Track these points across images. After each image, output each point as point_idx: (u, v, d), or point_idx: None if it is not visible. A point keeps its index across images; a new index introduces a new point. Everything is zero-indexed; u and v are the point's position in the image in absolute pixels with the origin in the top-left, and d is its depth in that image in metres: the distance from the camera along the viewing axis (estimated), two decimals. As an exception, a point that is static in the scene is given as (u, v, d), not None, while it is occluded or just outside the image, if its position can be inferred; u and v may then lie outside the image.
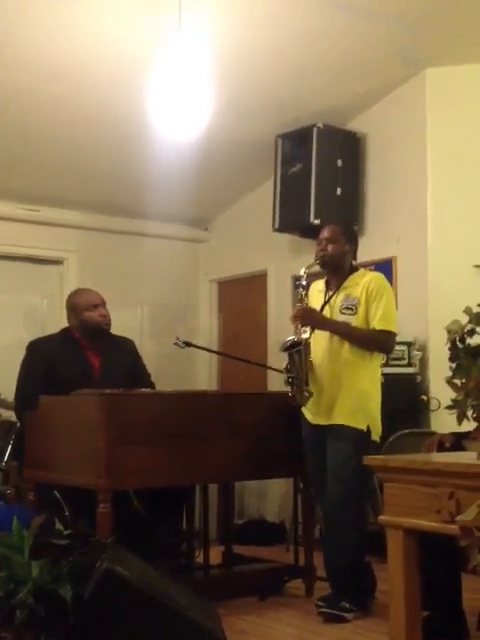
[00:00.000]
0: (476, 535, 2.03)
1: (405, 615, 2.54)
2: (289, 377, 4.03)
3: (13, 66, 4.78)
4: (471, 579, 3.33)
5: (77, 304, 4.57)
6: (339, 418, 3.98)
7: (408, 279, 5.45)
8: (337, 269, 4.13)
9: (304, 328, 4.02)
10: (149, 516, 4.28)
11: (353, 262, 4.19)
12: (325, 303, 4.10)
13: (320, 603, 3.94)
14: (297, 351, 3.98)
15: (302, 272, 4.10)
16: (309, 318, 4.03)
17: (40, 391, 4.21)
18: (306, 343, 3.99)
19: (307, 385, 3.99)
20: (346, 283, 4.10)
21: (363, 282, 4.06)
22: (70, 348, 4.52)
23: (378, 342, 4.05)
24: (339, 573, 3.97)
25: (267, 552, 5.16)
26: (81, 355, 4.52)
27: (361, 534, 3.96)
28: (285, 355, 4.06)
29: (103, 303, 4.58)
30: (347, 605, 3.86)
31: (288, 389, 4.04)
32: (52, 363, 4.42)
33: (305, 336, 4.00)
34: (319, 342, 4.04)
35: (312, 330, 4.03)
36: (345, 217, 5.53)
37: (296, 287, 4.23)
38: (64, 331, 4.68)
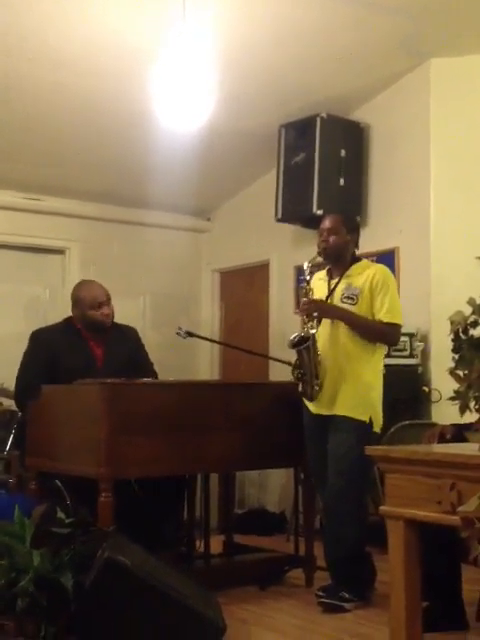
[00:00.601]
0: (477, 526, 2.03)
1: (405, 605, 2.55)
2: (299, 373, 4.02)
3: (17, 54, 4.76)
4: (471, 570, 3.33)
5: (81, 299, 4.54)
6: (341, 409, 3.98)
7: (410, 270, 5.44)
8: (339, 259, 4.12)
9: (311, 323, 4.01)
10: (152, 508, 4.28)
11: (355, 251, 4.19)
12: (330, 294, 4.09)
13: (320, 593, 3.95)
14: (305, 347, 3.97)
15: (305, 266, 4.09)
16: (317, 309, 4.02)
17: (41, 381, 4.21)
18: (314, 338, 3.99)
19: (317, 379, 3.99)
20: (348, 272, 4.09)
21: (366, 274, 4.05)
22: (73, 338, 4.52)
23: (384, 334, 4.05)
24: (339, 564, 3.98)
25: (267, 542, 5.17)
26: (84, 345, 4.51)
27: (361, 525, 3.97)
28: (292, 350, 4.05)
29: (108, 300, 4.54)
30: (347, 595, 3.88)
31: (299, 384, 4.04)
32: (55, 353, 4.42)
33: (312, 331, 4.00)
34: (321, 332, 4.03)
35: (319, 323, 4.03)
36: (348, 207, 5.52)
37: (299, 282, 4.21)
38: (66, 321, 4.67)
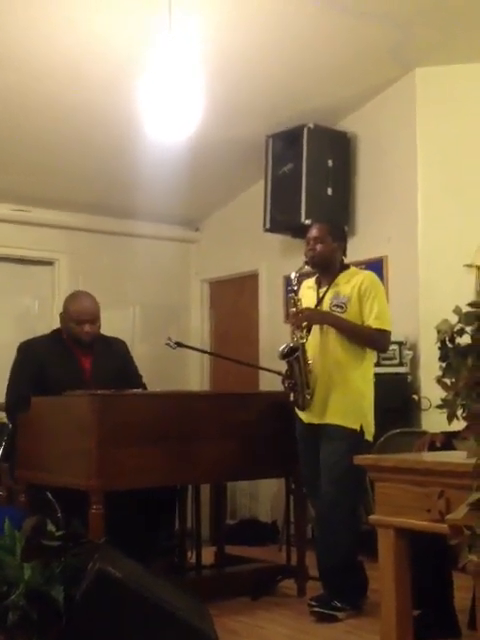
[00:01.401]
0: (465, 534, 2.04)
1: (396, 614, 2.55)
2: (289, 383, 4.02)
3: (2, 65, 4.76)
4: (462, 577, 3.32)
5: (68, 312, 4.51)
6: (332, 418, 3.98)
7: (399, 278, 5.46)
8: (327, 267, 4.14)
9: (300, 333, 4.02)
10: (144, 517, 4.27)
11: (343, 259, 4.20)
12: (318, 302, 4.10)
13: (312, 603, 3.94)
14: (295, 357, 3.97)
15: (292, 276, 4.10)
16: (306, 318, 4.02)
17: (30, 393, 4.20)
18: (303, 348, 3.99)
19: (308, 388, 3.99)
20: (336, 281, 4.11)
21: (354, 281, 4.07)
22: (60, 350, 4.51)
23: (374, 340, 4.06)
24: (331, 573, 3.97)
25: (259, 552, 5.16)
26: (71, 357, 4.50)
27: (354, 534, 3.96)
28: (282, 360, 4.05)
29: (93, 320, 4.48)
30: (339, 604, 3.87)
31: (290, 394, 4.04)
32: (42, 365, 4.41)
33: (302, 341, 4.00)
34: (311, 341, 4.04)
35: (308, 332, 4.03)
36: (336, 217, 5.53)
37: (288, 292, 4.22)
38: (55, 332, 4.67)
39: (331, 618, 3.83)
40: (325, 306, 4.08)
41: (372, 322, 3.99)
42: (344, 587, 3.93)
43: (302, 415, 4.09)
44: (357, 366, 4.04)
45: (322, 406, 4.01)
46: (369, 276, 4.13)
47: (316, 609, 3.89)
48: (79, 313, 4.48)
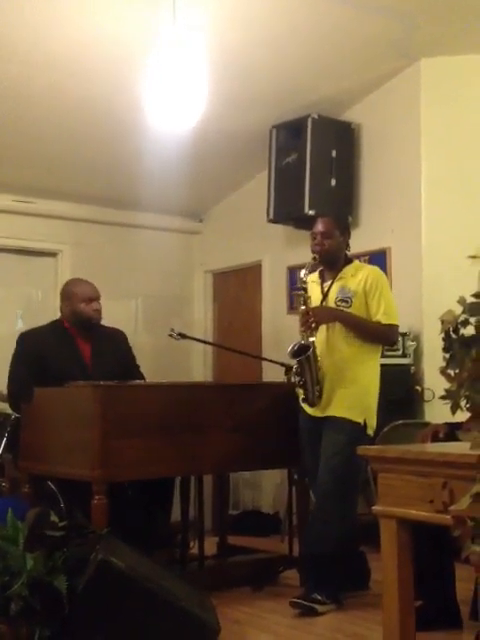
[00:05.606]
0: (469, 525, 2.03)
1: (398, 605, 2.55)
2: (300, 380, 4.01)
3: (7, 57, 4.75)
4: (464, 568, 3.32)
5: (74, 294, 4.59)
6: (336, 411, 3.98)
7: (402, 270, 5.45)
8: (334, 262, 4.13)
9: (311, 332, 3.99)
10: (144, 508, 4.28)
11: (347, 253, 4.19)
12: (324, 297, 4.09)
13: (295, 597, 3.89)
14: (306, 356, 3.97)
15: (302, 274, 4.06)
16: (319, 317, 4.00)
17: (32, 382, 4.22)
18: (314, 347, 3.98)
19: (318, 385, 3.99)
20: (341, 275, 4.10)
21: (360, 276, 4.06)
22: (61, 339, 4.54)
23: (384, 335, 4.07)
24: (315, 562, 3.92)
25: (262, 543, 5.17)
26: (72, 347, 4.52)
27: (345, 527, 3.92)
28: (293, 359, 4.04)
29: (98, 297, 4.62)
30: (319, 597, 3.82)
31: (300, 391, 4.04)
32: (43, 355, 4.43)
33: (311, 339, 3.99)
34: (319, 336, 4.03)
35: (316, 329, 4.01)
36: (340, 208, 5.53)
37: (296, 289, 4.20)
38: (54, 322, 4.69)
39: (310, 611, 3.77)
40: (331, 300, 4.07)
41: (381, 317, 4.00)
42: (326, 579, 3.87)
43: (307, 408, 4.08)
44: (364, 361, 4.04)
45: (327, 400, 4.00)
46: (374, 271, 4.13)
47: (294, 600, 3.84)
48: (86, 292, 4.59)
